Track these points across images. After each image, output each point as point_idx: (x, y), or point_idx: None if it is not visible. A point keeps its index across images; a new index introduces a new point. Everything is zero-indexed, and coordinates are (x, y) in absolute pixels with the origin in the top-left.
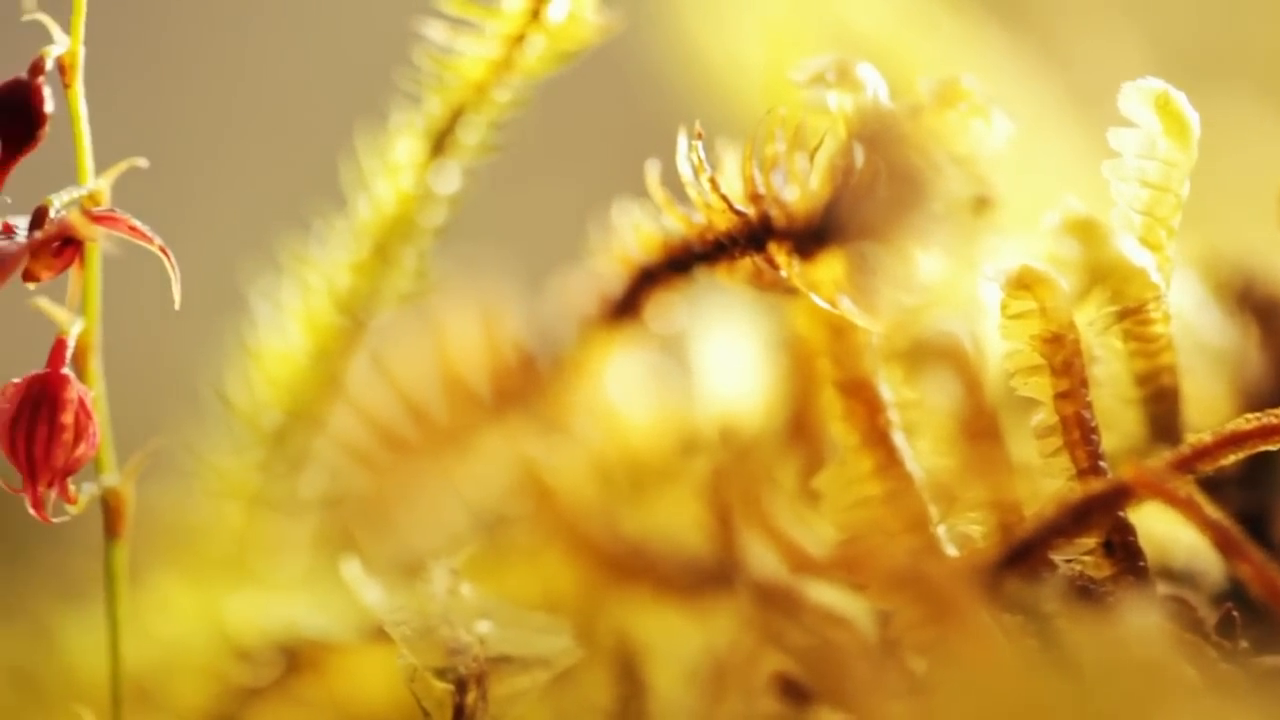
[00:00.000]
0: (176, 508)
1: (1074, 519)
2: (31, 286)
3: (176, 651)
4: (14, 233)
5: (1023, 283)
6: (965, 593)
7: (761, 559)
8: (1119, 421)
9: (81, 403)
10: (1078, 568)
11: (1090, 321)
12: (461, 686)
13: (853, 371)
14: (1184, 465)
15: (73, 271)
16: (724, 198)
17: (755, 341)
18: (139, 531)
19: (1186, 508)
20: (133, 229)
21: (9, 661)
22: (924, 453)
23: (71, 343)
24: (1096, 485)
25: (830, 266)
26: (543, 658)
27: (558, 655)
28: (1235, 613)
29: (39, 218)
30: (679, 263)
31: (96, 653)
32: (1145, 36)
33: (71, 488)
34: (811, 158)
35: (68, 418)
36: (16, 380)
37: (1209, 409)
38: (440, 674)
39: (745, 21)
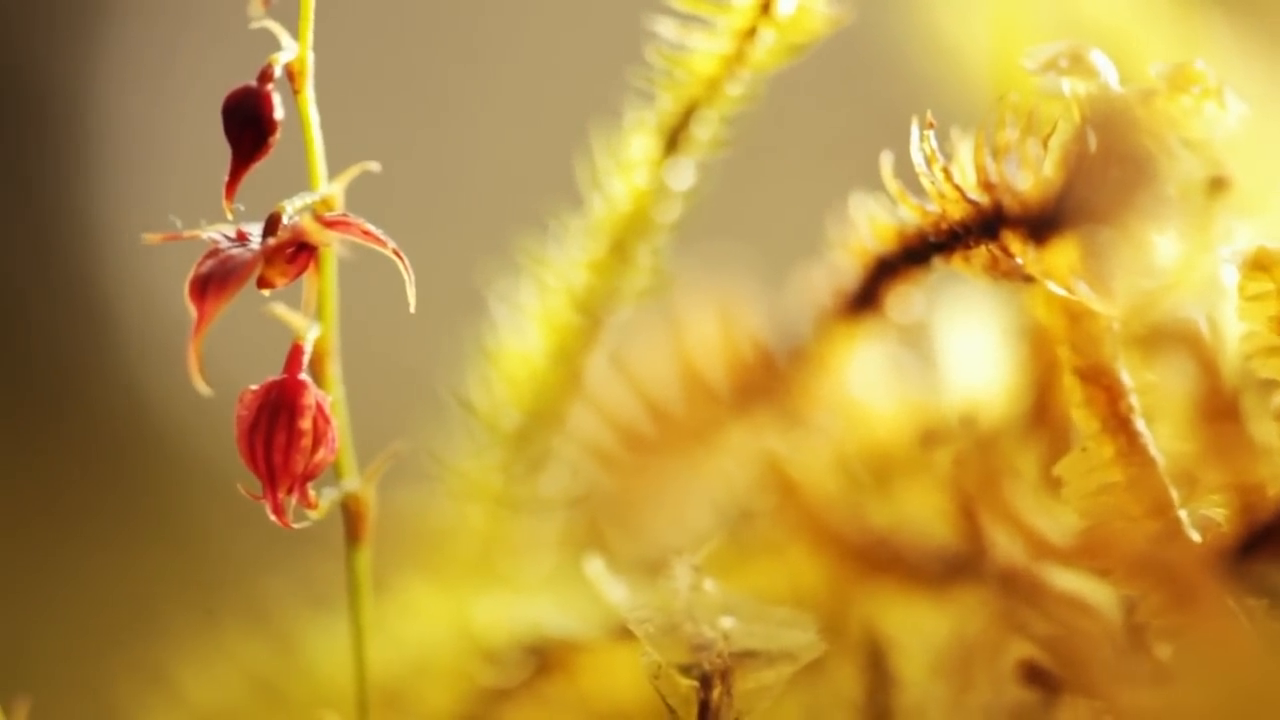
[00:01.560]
0: (419, 511)
1: None
2: (266, 293)
3: (423, 655)
4: (248, 240)
5: (1259, 264)
6: (1208, 577)
7: (1005, 547)
8: None
9: (320, 408)
10: None
11: None
12: (706, 683)
13: (1091, 358)
14: None
15: (307, 277)
16: (957, 187)
17: (994, 330)
18: (382, 536)
19: None
20: (366, 233)
21: (254, 670)
22: (1165, 437)
23: (308, 348)
24: None
25: (1065, 253)
26: (787, 652)
27: (802, 649)
28: None
29: (272, 225)
30: (915, 253)
31: (341, 658)
32: None
33: (312, 493)
34: (1044, 144)
35: (306, 423)
36: (254, 387)
37: None
38: (685, 670)
39: (975, 10)
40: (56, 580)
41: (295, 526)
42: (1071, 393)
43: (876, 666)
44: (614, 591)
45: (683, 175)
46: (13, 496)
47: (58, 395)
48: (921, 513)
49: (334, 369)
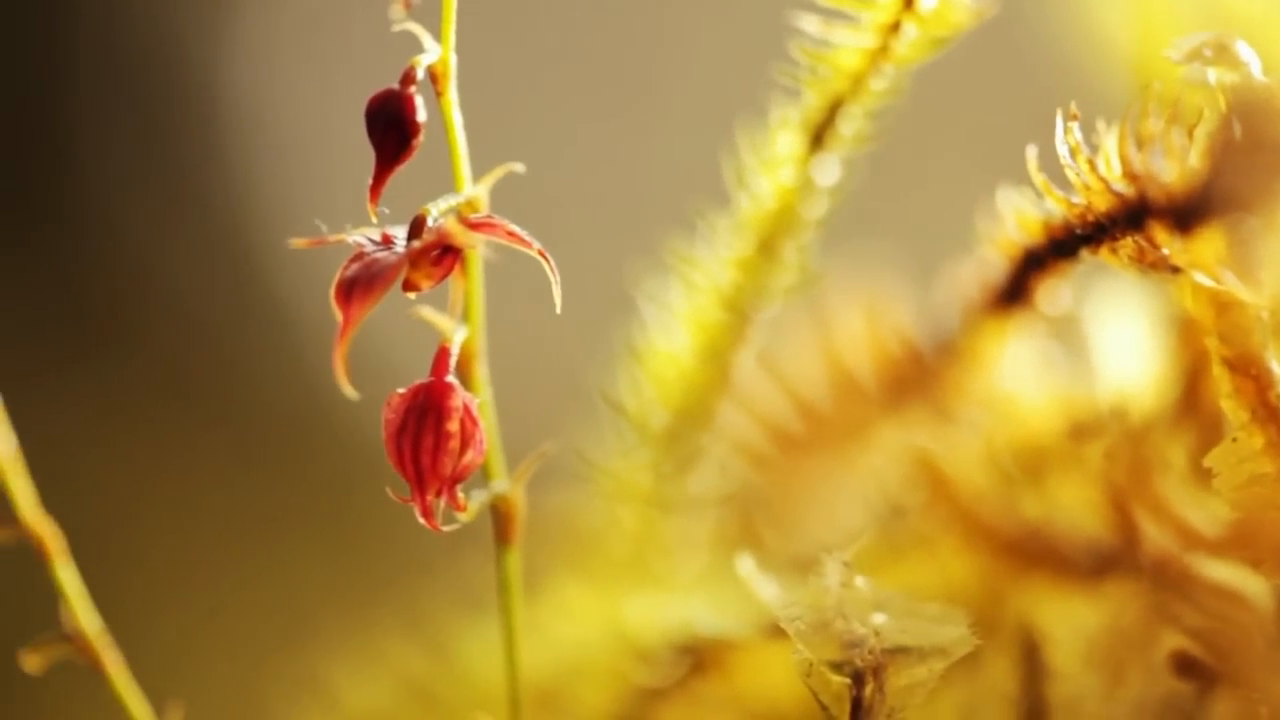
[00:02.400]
0: (570, 512)
1: None
2: (412, 296)
3: (577, 655)
4: (393, 243)
5: None
6: None
7: (1156, 539)
8: None
9: (467, 410)
10: None
11: None
12: (858, 679)
13: (1240, 347)
14: None
15: (454, 279)
16: (1102, 178)
17: (1143, 321)
18: (533, 537)
19: None
20: (511, 234)
21: (408, 673)
22: None
23: (455, 350)
24: None
25: (1211, 243)
26: (940, 647)
27: (955, 644)
28: None
29: (417, 227)
30: (1062, 246)
31: (495, 660)
32: None
33: (461, 496)
34: (1189, 134)
35: (453, 425)
36: (401, 390)
37: None
38: (836, 668)
39: (1119, 1)
40: (211, 586)
41: (444, 529)
42: (1220, 383)
43: (1030, 660)
44: (765, 589)
45: (828, 172)
46: (170, 503)
47: (213, 400)
48: (1073, 506)
49: (481, 371)
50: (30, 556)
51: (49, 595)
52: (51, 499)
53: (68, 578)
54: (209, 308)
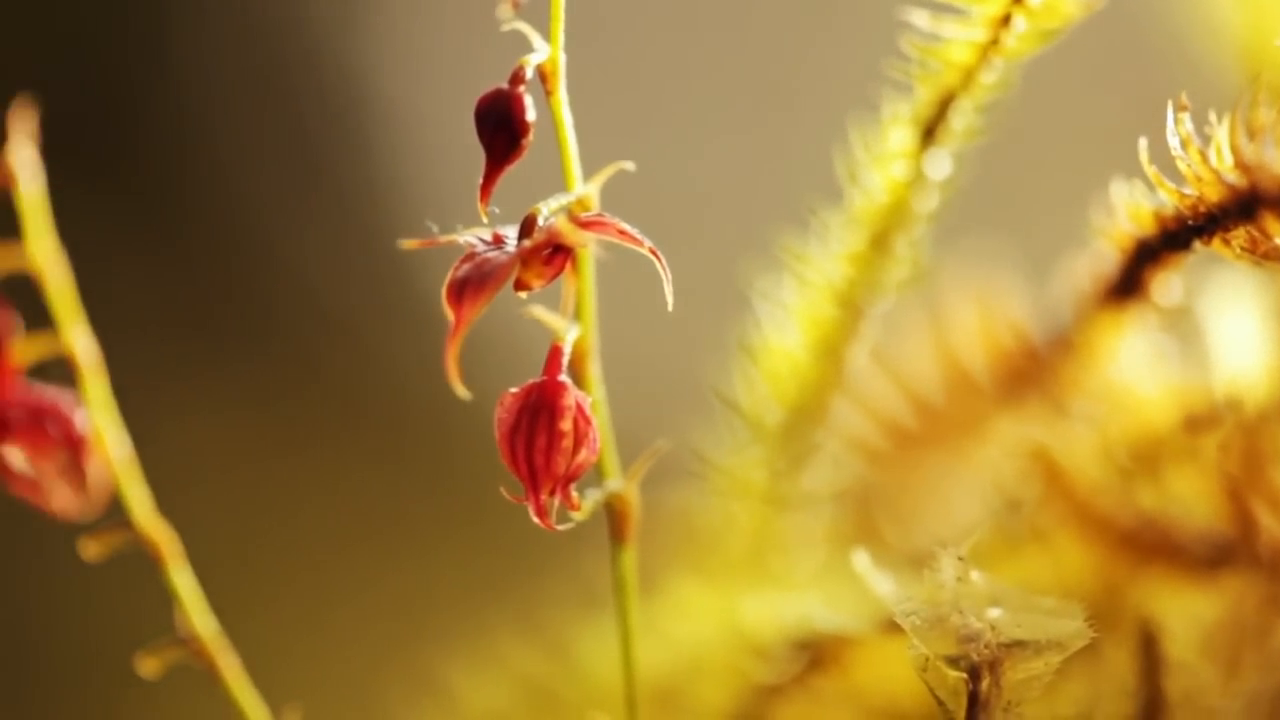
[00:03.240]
0: (685, 510)
1: None
2: (524, 296)
3: (694, 653)
4: (504, 243)
5: None
6: None
7: (1273, 530)
8: None
9: (580, 409)
10: None
11: None
12: (975, 674)
13: None
14: None
15: (565, 278)
16: (1213, 169)
17: (1256, 312)
18: (650, 536)
19: None
20: (622, 232)
21: (525, 673)
22: None
23: (567, 349)
24: None
25: None
26: (1056, 641)
27: (1071, 638)
28: None
29: (527, 226)
30: (1175, 238)
31: (612, 659)
32: None
33: (574, 495)
34: None
35: (566, 425)
36: (514, 390)
37: None
38: (952, 662)
39: None
40: (328, 587)
41: (559, 528)
42: None
43: (1147, 652)
44: (881, 585)
45: (940, 166)
46: (292, 502)
47: (348, 397)
48: (1188, 497)
49: (594, 369)
50: (147, 560)
51: (169, 599)
52: (178, 498)
53: (182, 581)
54: (346, 303)
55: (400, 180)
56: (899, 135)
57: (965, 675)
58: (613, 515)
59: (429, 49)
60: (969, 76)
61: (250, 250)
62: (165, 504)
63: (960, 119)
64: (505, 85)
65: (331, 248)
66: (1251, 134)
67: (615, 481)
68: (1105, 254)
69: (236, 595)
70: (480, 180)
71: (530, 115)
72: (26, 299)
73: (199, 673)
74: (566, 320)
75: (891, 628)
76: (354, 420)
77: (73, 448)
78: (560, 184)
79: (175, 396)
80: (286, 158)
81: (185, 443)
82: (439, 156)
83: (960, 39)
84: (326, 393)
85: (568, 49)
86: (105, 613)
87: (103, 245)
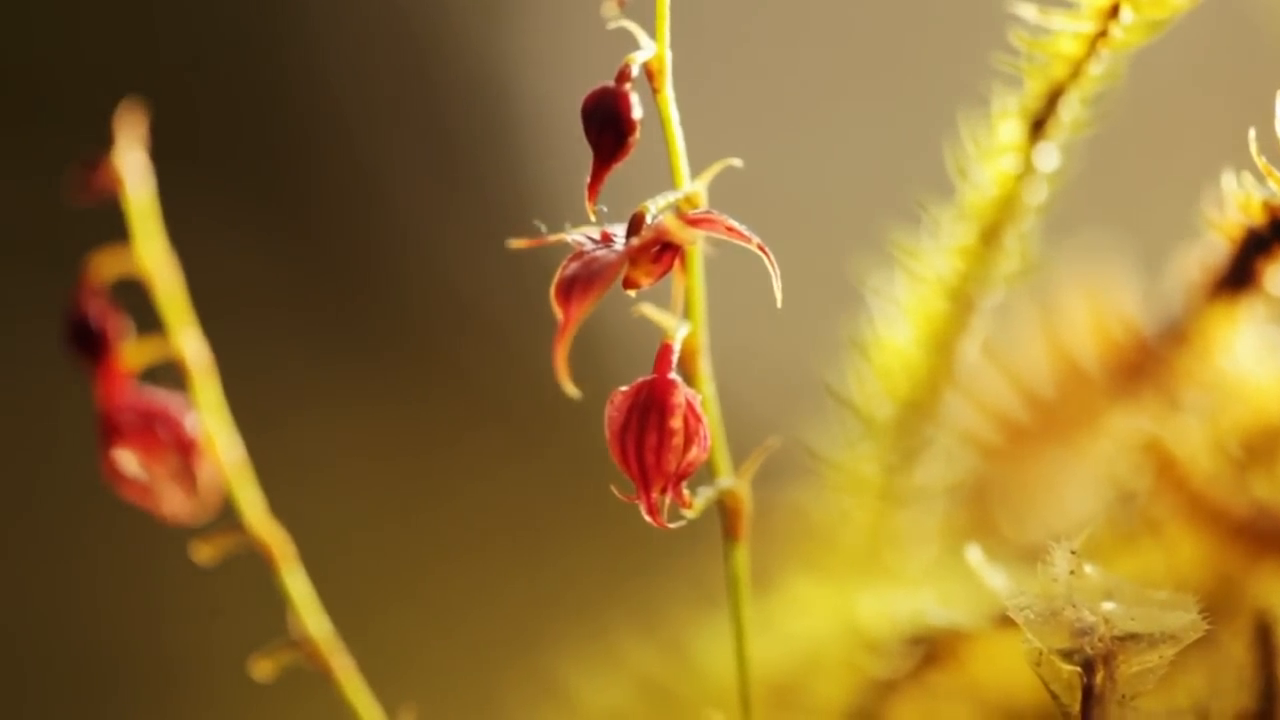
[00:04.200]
0: (798, 506)
1: None
2: (632, 294)
3: (810, 649)
4: (612, 241)
5: None
6: None
7: None
8: None
9: (690, 406)
10: None
11: None
12: (1089, 667)
13: None
14: None
15: (675, 275)
16: None
17: None
18: (763, 533)
19: None
20: (730, 229)
21: (643, 672)
22: None
23: (677, 347)
24: None
25: None
26: (1170, 633)
27: (1185, 630)
28: None
29: (635, 224)
30: None
31: (728, 657)
32: None
33: (686, 492)
34: None
35: (676, 422)
36: (624, 388)
37: None
38: (1066, 656)
39: None
40: (446, 589)
41: (670, 527)
42: None
43: (1263, 643)
44: (994, 579)
45: (1049, 159)
46: (408, 504)
47: (489, 396)
48: None
49: (704, 366)
50: (261, 563)
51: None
52: (305, 495)
53: (295, 583)
54: (486, 300)
55: (540, 176)
56: (1008, 128)
57: (1079, 669)
58: (725, 513)
59: (571, 45)
60: (1077, 69)
61: (390, 247)
62: (292, 501)
63: (1069, 111)
64: (611, 83)
65: (471, 244)
66: None
67: (727, 479)
68: (1216, 245)
69: (356, 595)
70: (588, 179)
71: (636, 113)
72: (137, 302)
73: (313, 675)
74: (676, 318)
75: (1005, 622)
76: (487, 418)
77: (183, 451)
78: (668, 181)
79: (313, 393)
80: (427, 154)
81: (320, 438)
82: (579, 153)
83: (1068, 31)
84: (462, 390)
85: (674, 46)
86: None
87: (243, 243)
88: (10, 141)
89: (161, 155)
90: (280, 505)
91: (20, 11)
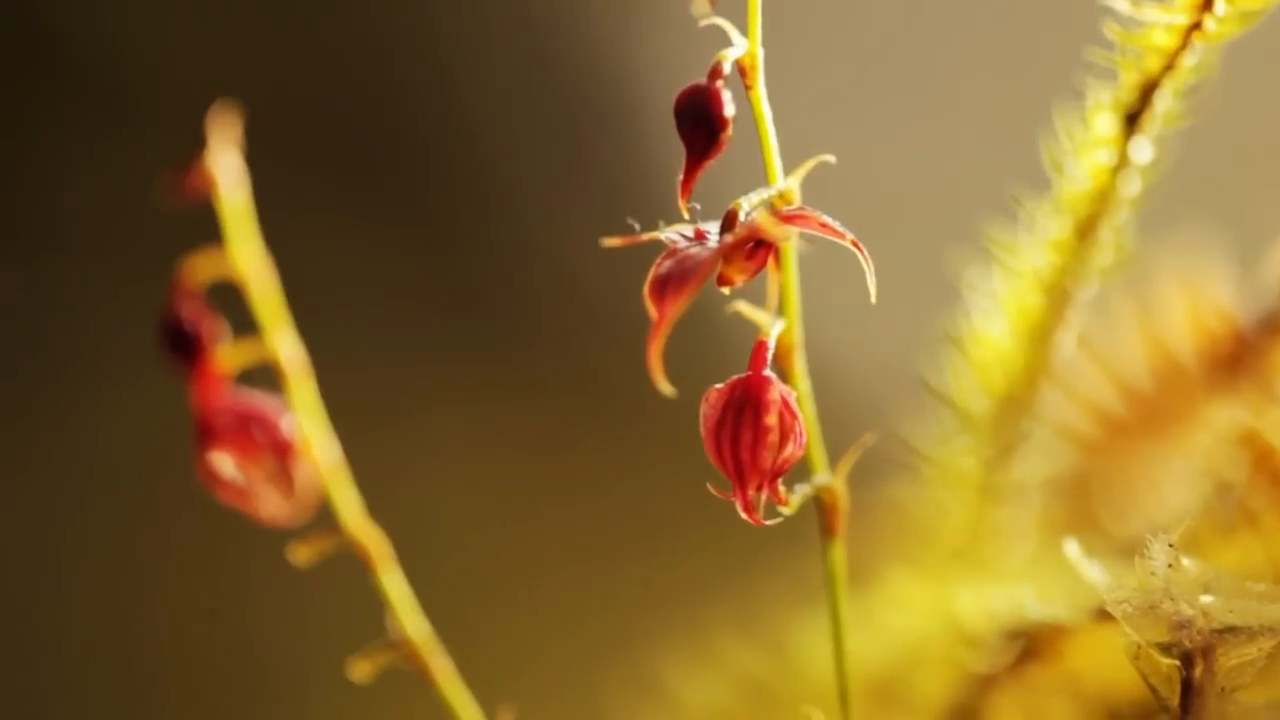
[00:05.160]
0: (895, 502)
1: None
2: (726, 291)
3: (910, 646)
4: (706, 239)
5: None
6: None
7: None
8: None
9: (785, 403)
10: None
11: None
12: (1187, 660)
13: None
14: None
15: (769, 272)
16: None
17: None
18: (862, 529)
19: None
20: (824, 225)
21: (743, 670)
22: None
23: (772, 344)
24: None
25: None
26: (1269, 626)
27: None
28: None
29: (729, 221)
30: None
31: (826, 654)
32: None
33: (782, 489)
34: None
35: (772, 419)
36: (719, 385)
37: None
38: (1165, 649)
39: None
40: (545, 589)
41: (767, 523)
42: None
43: None
44: (1092, 573)
45: (1143, 151)
46: (516, 501)
47: (617, 396)
48: None
49: (799, 363)
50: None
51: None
52: (420, 492)
53: (392, 585)
54: (618, 300)
55: (667, 174)
56: (1103, 122)
57: (1178, 662)
58: (822, 509)
59: (695, 44)
60: (1171, 61)
61: (517, 246)
62: (414, 499)
63: (1163, 104)
64: (703, 81)
65: (597, 242)
66: None
67: (823, 475)
68: None
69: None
70: (680, 176)
71: (729, 110)
72: (232, 305)
73: (412, 676)
74: (770, 314)
75: (1104, 616)
76: (616, 419)
77: (280, 453)
78: (762, 178)
79: (441, 392)
80: (555, 150)
81: (447, 437)
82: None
83: (1162, 24)
84: (593, 390)
85: (766, 43)
86: (317, 618)
87: (370, 240)
88: (111, 143)
89: (290, 154)
90: (402, 503)
91: (124, 9)
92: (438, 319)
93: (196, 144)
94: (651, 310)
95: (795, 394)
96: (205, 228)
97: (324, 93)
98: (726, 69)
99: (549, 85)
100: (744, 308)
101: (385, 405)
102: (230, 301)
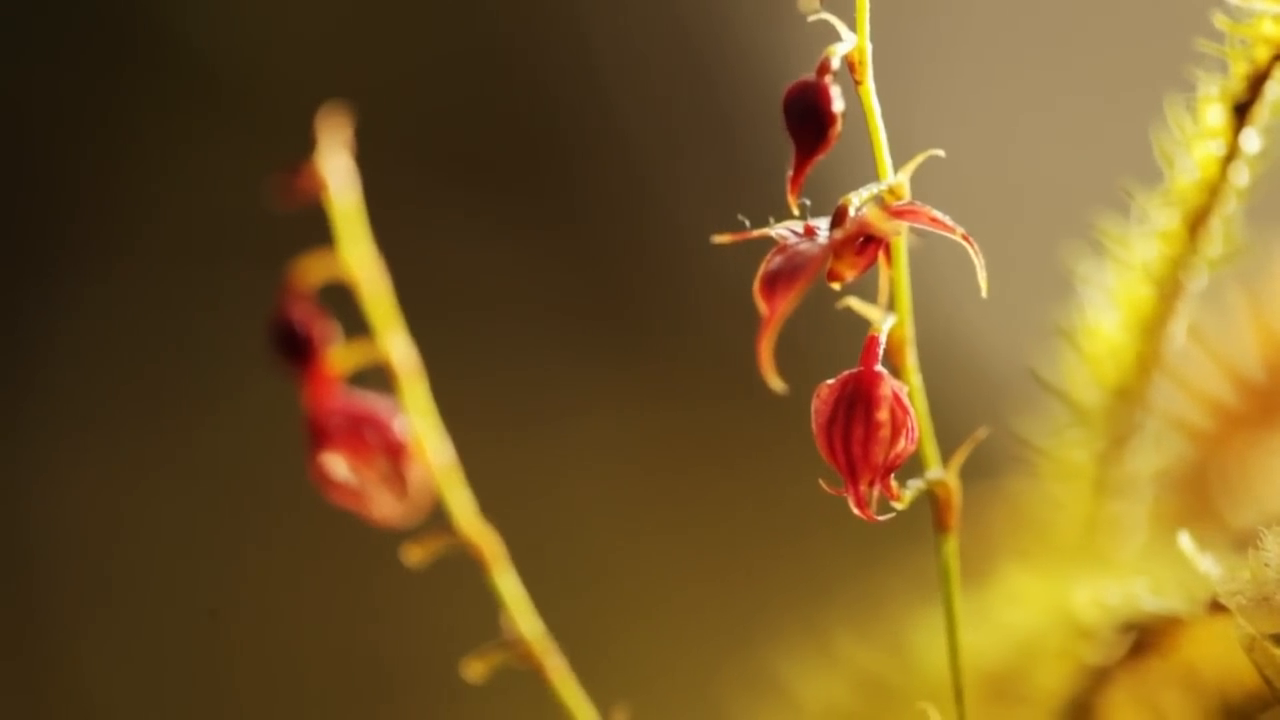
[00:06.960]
0: (1010, 496)
1: None
2: (837, 286)
3: (1025, 640)
4: (816, 234)
5: None
6: None
7: None
8: None
9: (897, 398)
10: None
11: None
12: None
13: None
14: None
15: (880, 267)
16: None
17: None
18: (977, 524)
19: None
20: (934, 220)
21: (859, 667)
22: None
23: (883, 339)
24: None
25: None
26: None
27: None
28: None
29: (839, 217)
30: None
31: (941, 649)
32: None
33: (895, 485)
34: None
35: (883, 414)
36: (830, 381)
37: None
38: (1279, 641)
39: None
40: (667, 589)
41: (879, 519)
42: None
43: None
44: (1206, 565)
45: (1253, 142)
46: (642, 501)
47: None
48: None
49: (910, 358)
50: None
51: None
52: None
53: (506, 585)
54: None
55: (820, 173)
56: (1212, 113)
57: None
58: (935, 504)
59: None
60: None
61: (669, 247)
62: (554, 501)
63: (1273, 94)
64: (811, 76)
65: (751, 242)
66: None
67: (936, 470)
68: None
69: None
70: (789, 172)
71: (837, 105)
72: (345, 307)
73: (527, 675)
74: (881, 309)
75: (1218, 608)
76: (766, 421)
77: (392, 454)
78: (872, 173)
79: (588, 394)
80: (705, 151)
81: (592, 439)
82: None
83: (1270, 13)
84: (745, 392)
85: (874, 38)
86: (432, 618)
87: (521, 245)
88: (227, 146)
89: (440, 157)
90: (551, 506)
91: (246, 11)
92: (588, 324)
93: (307, 147)
94: (761, 307)
95: (907, 389)
96: (324, 230)
97: (475, 98)
98: (835, 64)
99: (701, 86)
100: (855, 303)
101: (538, 409)
102: (342, 304)
